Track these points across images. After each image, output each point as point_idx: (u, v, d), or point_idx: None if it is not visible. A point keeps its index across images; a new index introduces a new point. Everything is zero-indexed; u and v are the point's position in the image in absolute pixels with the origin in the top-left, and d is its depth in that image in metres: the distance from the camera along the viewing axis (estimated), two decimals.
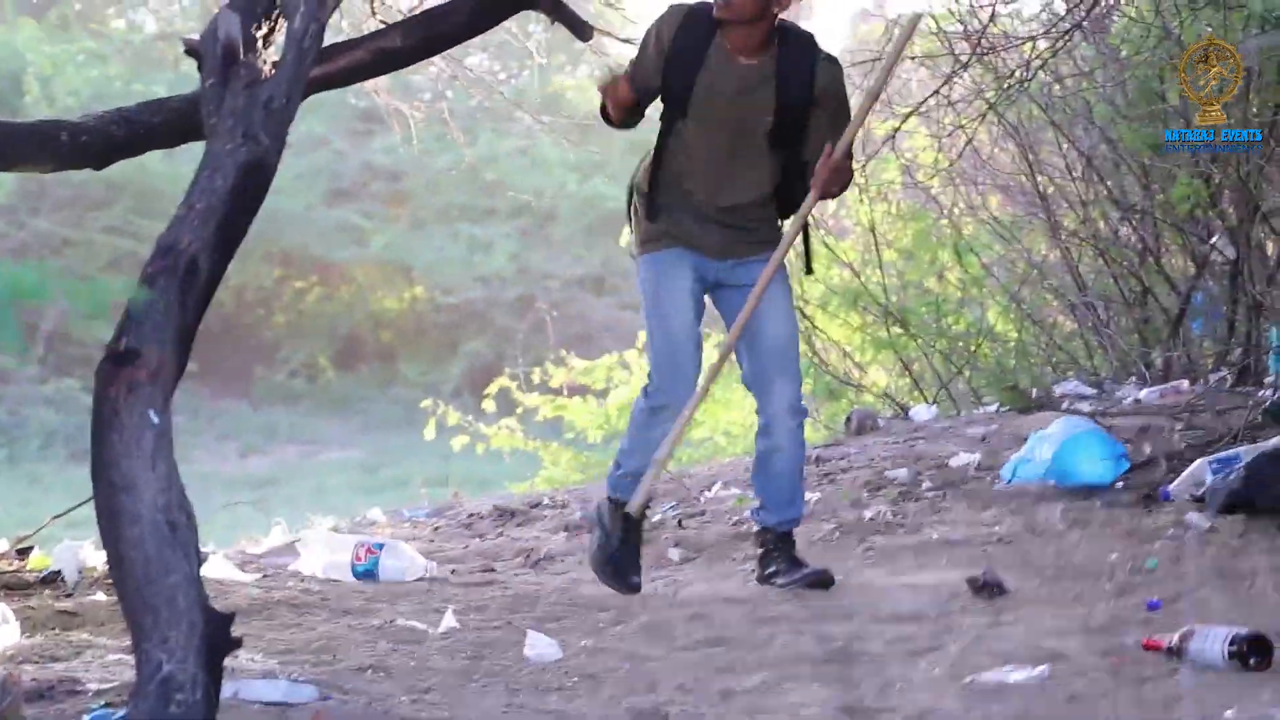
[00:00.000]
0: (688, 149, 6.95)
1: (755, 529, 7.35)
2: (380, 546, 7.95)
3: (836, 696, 5.35)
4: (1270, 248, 11.63)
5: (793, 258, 7.66)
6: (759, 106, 6.83)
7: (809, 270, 7.54)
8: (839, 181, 6.88)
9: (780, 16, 6.81)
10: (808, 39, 6.96)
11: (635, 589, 7.12)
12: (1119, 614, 6.38)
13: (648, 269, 7.09)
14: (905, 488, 9.18)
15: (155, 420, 4.32)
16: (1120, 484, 8.68)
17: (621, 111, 6.97)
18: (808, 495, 8.84)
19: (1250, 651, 5.41)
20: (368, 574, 7.75)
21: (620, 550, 7.15)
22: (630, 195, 7.26)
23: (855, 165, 7.36)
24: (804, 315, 13.10)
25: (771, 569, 7.16)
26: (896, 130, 11.51)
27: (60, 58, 29.32)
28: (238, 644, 4.35)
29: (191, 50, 5.07)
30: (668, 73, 6.86)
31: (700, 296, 7.05)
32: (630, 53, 7.33)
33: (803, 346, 11.57)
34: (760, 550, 7.26)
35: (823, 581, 7.03)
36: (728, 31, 6.77)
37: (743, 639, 6.14)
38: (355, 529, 9.20)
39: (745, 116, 6.85)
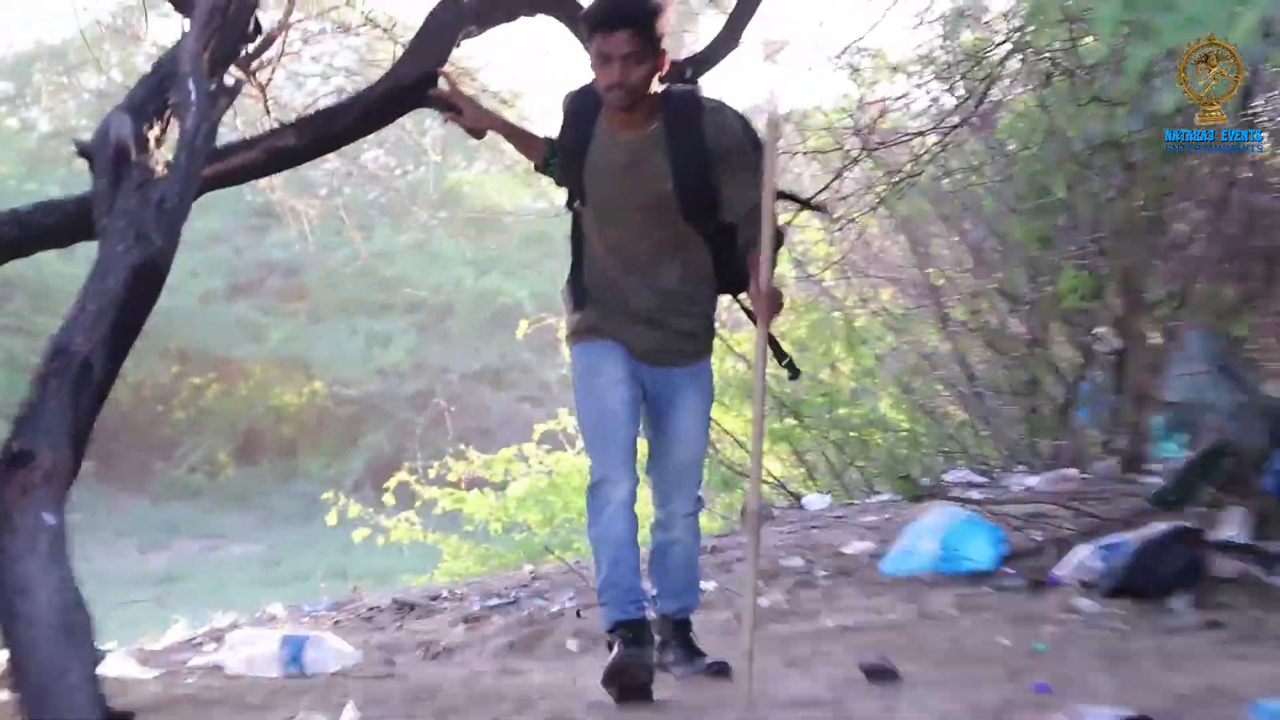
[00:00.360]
0: (602, 238, 6.56)
1: (652, 618, 6.86)
2: (304, 640, 7.93)
3: None
4: (1154, 338, 11.76)
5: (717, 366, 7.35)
6: (655, 175, 6.36)
7: (794, 375, 6.87)
8: (775, 307, 6.34)
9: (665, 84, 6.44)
10: (690, 95, 6.55)
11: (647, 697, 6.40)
12: (1009, 697, 6.42)
13: (578, 359, 6.64)
14: (800, 576, 9.22)
15: (51, 522, 4.31)
16: (1011, 569, 8.75)
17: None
18: (704, 585, 8.85)
19: None
20: (295, 669, 7.72)
21: (621, 667, 6.40)
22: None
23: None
24: None
25: (669, 658, 6.84)
26: (788, 224, 11.58)
27: None
28: None
29: (83, 152, 5.07)
30: (564, 153, 6.56)
31: (636, 382, 6.55)
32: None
33: None
34: (658, 639, 6.83)
35: (720, 671, 6.71)
36: (610, 109, 6.37)
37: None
38: (255, 624, 9.14)
39: (643, 189, 6.39)
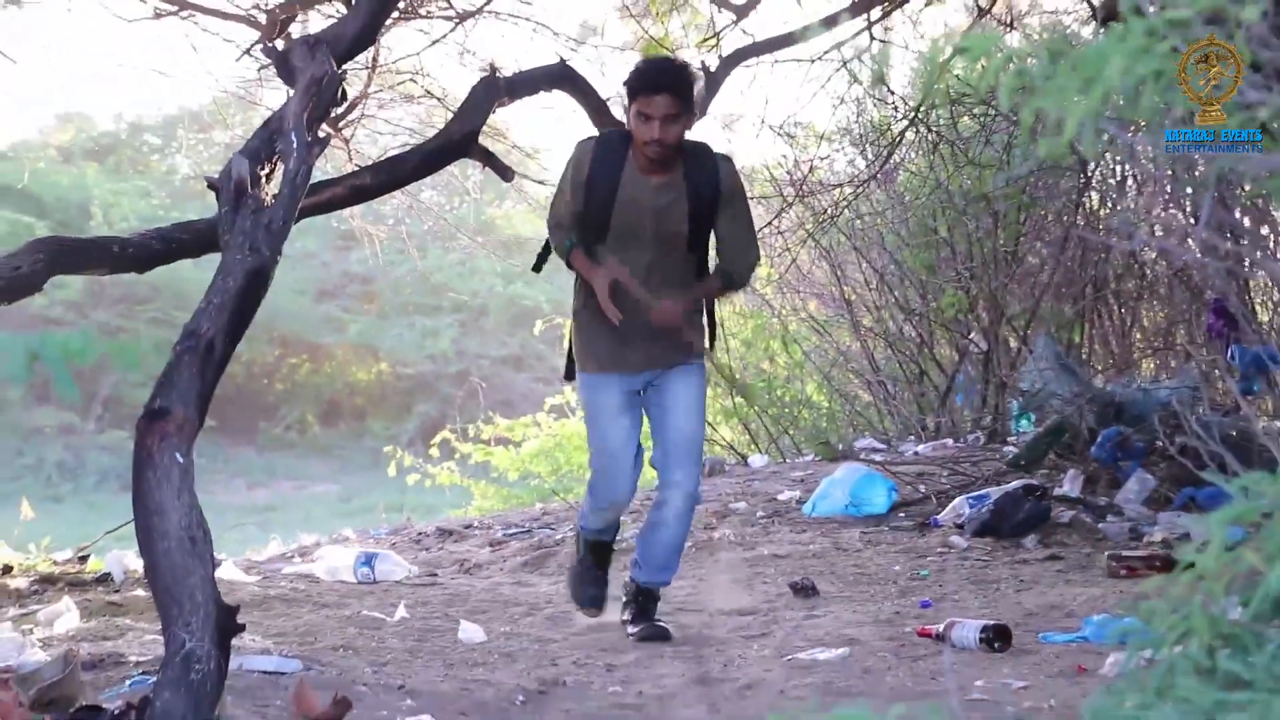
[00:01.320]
0: (617, 259, 5.80)
1: (626, 579, 6.25)
2: (374, 555, 7.92)
3: (691, 669, 5.34)
4: (1012, 342, 11.74)
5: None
6: (675, 215, 5.74)
7: (711, 345, 6.16)
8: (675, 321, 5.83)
9: None
10: (704, 147, 5.90)
11: (595, 603, 6.28)
12: (901, 610, 6.40)
13: (582, 389, 6.01)
14: (744, 516, 9.19)
15: (180, 461, 4.29)
16: (902, 514, 8.73)
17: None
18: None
19: (995, 638, 5.45)
20: (368, 576, 7.70)
21: (581, 570, 6.32)
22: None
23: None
24: None
25: (627, 616, 6.16)
26: None
27: (117, 192, 29.20)
28: (242, 628, 4.32)
29: (212, 185, 5.04)
30: (588, 198, 5.75)
31: (633, 407, 5.94)
32: (540, 191, 7.10)
33: None
34: (625, 597, 6.20)
35: (660, 635, 5.98)
36: (639, 156, 5.72)
37: (622, 627, 6.12)
38: (332, 543, 9.10)
39: (664, 227, 5.76)
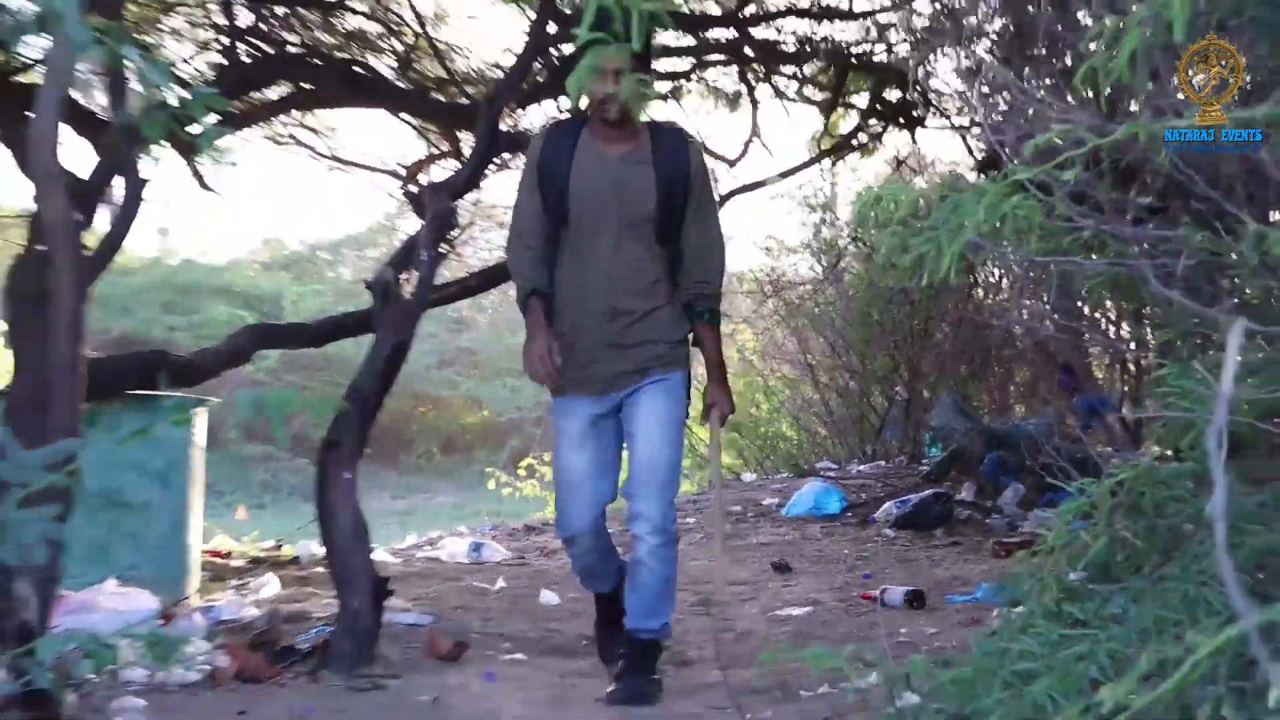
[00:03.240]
0: (577, 262, 3.94)
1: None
2: (482, 544, 7.97)
3: (705, 623, 5.36)
4: (925, 393, 11.73)
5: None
6: (641, 189, 3.89)
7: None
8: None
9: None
10: (675, 125, 4.06)
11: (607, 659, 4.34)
12: (849, 580, 6.40)
13: (554, 414, 4.18)
14: (738, 516, 9.19)
15: (348, 477, 4.35)
16: (849, 514, 8.72)
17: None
18: (688, 521, 8.79)
19: (915, 599, 5.46)
20: (477, 558, 7.73)
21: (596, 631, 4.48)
22: None
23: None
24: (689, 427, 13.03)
25: (617, 668, 4.07)
26: (733, 331, 11.62)
27: (301, 292, 29.42)
28: (391, 593, 4.36)
29: (367, 286, 5.12)
30: (542, 182, 3.93)
31: (601, 434, 4.03)
32: None
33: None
34: (621, 650, 4.11)
35: (637, 697, 3.88)
36: (594, 127, 3.93)
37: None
38: (451, 536, 9.12)
39: (628, 204, 3.89)
